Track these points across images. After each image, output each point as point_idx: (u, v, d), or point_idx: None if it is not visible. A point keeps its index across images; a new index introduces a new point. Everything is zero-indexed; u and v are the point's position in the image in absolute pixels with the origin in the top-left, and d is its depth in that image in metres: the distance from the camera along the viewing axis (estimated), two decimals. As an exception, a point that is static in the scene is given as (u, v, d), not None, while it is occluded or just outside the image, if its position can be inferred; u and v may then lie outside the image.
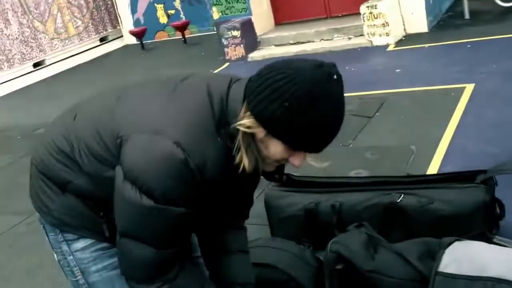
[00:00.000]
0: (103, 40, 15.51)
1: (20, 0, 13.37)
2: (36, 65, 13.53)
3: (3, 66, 12.83)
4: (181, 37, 13.65)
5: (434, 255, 2.82)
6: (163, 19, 14.74)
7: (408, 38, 9.70)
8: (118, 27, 15.71)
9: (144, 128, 1.97)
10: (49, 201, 2.26)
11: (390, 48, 9.40)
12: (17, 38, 13.24)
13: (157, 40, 14.84)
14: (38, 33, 13.77)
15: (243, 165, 1.96)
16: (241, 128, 1.91)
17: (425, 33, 9.74)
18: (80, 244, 2.30)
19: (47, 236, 2.36)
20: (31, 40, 13.56)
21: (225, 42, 10.55)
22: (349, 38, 10.14)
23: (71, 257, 2.32)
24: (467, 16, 9.92)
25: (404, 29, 9.87)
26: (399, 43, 9.55)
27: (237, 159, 1.97)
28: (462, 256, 2.76)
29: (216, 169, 2.00)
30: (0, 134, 8.93)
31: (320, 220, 3.71)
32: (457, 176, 3.69)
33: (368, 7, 9.57)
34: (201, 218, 2.15)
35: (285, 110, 1.82)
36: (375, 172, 4.80)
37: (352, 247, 3.02)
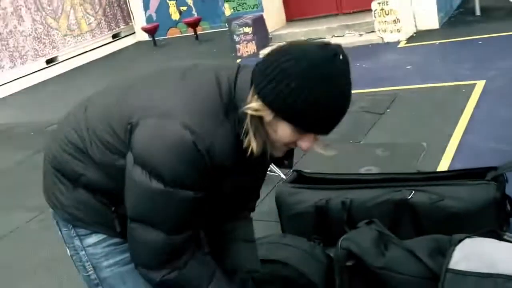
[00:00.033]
0: (115, 36, 15.54)
1: (33, -3, 13.45)
2: (49, 61, 13.57)
3: (16, 63, 12.89)
4: (193, 33, 13.66)
5: (444, 252, 2.82)
6: (175, 16, 14.76)
7: (419, 35, 9.68)
8: (130, 24, 15.74)
9: (153, 112, 1.98)
10: (62, 197, 2.27)
11: (401, 44, 9.39)
12: (30, 34, 13.29)
13: (169, 36, 14.86)
14: (51, 29, 13.82)
15: (251, 148, 1.96)
16: (249, 111, 1.92)
17: (436, 29, 9.72)
18: (92, 239, 2.30)
19: (60, 231, 2.37)
20: (44, 37, 13.61)
21: (236, 38, 10.56)
22: (360, 35, 10.14)
23: (83, 252, 2.33)
24: (478, 12, 9.90)
25: (415, 26, 9.86)
26: (410, 39, 9.53)
27: (245, 143, 1.97)
28: (473, 253, 2.75)
29: (225, 153, 2.00)
30: (13, 130, 8.99)
31: (331, 217, 3.72)
32: (468, 173, 3.69)
33: (379, 3, 9.55)
34: (210, 206, 2.15)
35: (292, 90, 1.83)
36: (385, 168, 4.79)
37: (362, 244, 3.02)
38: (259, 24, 10.68)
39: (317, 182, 3.99)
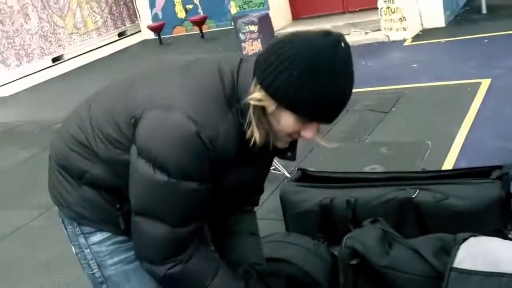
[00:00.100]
0: (121, 35, 15.55)
1: (39, -5, 13.48)
2: (55, 60, 13.59)
3: (22, 61, 12.91)
4: (198, 32, 13.66)
5: (449, 251, 2.80)
6: (181, 14, 14.76)
7: (425, 33, 9.67)
8: (136, 22, 15.75)
9: (157, 105, 1.99)
10: (67, 194, 2.28)
11: (407, 43, 9.38)
12: (36, 33, 13.31)
13: (175, 35, 14.87)
14: (57, 28, 13.84)
15: (254, 139, 1.97)
16: (252, 102, 1.93)
17: (442, 28, 9.71)
18: (97, 237, 2.31)
19: (66, 229, 2.38)
20: (50, 35, 13.63)
21: (242, 37, 10.56)
22: (366, 33, 10.14)
23: (88, 250, 2.34)
24: (484, 11, 9.89)
25: (421, 24, 9.85)
26: (416, 37, 9.53)
27: (248, 134, 1.98)
28: (477, 252, 2.73)
29: (228, 143, 2.01)
30: (19, 128, 9.01)
31: (335, 215, 3.72)
32: (473, 172, 3.69)
33: (385, 1, 9.55)
34: (214, 199, 2.15)
35: (295, 79, 1.83)
36: (390, 167, 4.79)
37: (367, 242, 3.02)
38: (265, 22, 10.68)
39: (321, 180, 3.99)
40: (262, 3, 11.17)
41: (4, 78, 12.43)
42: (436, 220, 3.46)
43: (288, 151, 2.22)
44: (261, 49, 10.33)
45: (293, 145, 2.20)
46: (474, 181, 3.52)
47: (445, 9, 9.76)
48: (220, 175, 2.08)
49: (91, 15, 14.77)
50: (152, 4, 15.00)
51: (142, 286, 2.38)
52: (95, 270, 2.37)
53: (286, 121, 1.94)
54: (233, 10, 11.47)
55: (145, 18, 15.17)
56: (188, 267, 2.11)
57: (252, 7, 11.29)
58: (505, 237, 3.22)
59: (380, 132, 5.86)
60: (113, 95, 2.21)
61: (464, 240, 2.81)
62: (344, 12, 11.32)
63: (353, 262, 3.01)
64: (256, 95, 1.92)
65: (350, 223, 3.60)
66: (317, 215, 3.77)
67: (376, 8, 9.78)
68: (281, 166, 4.98)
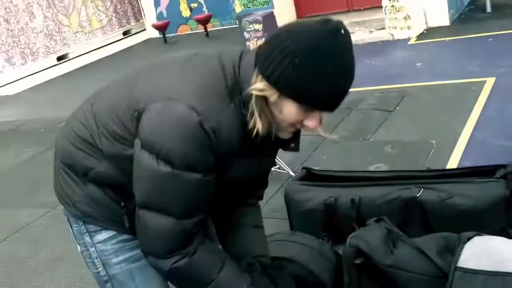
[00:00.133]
0: (126, 33, 15.57)
1: (45, -7, 13.50)
2: (59, 58, 13.61)
3: (27, 60, 12.94)
4: (203, 30, 13.66)
5: (453, 250, 2.81)
6: (186, 13, 14.77)
7: (430, 32, 9.67)
8: (141, 21, 15.77)
9: (159, 97, 1.99)
10: (72, 193, 2.28)
11: (412, 41, 9.38)
12: (41, 31, 13.33)
13: (179, 33, 14.87)
14: (62, 26, 13.86)
15: (257, 129, 1.98)
16: (254, 92, 1.93)
17: (447, 26, 9.71)
18: (102, 235, 2.32)
19: (71, 227, 2.38)
20: (55, 34, 13.65)
21: (247, 35, 10.56)
22: (371, 32, 10.14)
23: (93, 248, 2.34)
24: (488, 9, 9.89)
25: (426, 23, 9.84)
26: (420, 36, 9.53)
27: (251, 124, 1.99)
28: (482, 251, 2.74)
29: (231, 133, 2.01)
30: (24, 127, 9.02)
31: (340, 214, 3.72)
32: (477, 171, 3.70)
33: (390, 0, 9.54)
34: (218, 191, 2.14)
35: (296, 67, 1.84)
36: (394, 166, 4.80)
37: (371, 241, 3.01)
38: (269, 21, 10.67)
39: (326, 179, 4.00)
40: (266, 1, 11.17)
41: (9, 77, 12.47)
42: (440, 219, 3.46)
43: (292, 142, 2.22)
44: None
45: (296, 135, 2.20)
46: (478, 180, 3.52)
47: (449, 7, 9.76)
48: (224, 166, 2.08)
49: (96, 14, 14.79)
50: (157, 3, 15.01)
51: (146, 285, 2.39)
52: (100, 269, 2.38)
53: (289, 110, 1.94)
54: (238, 8, 11.46)
55: (150, 16, 15.18)
56: (194, 260, 2.11)
57: (257, 6, 11.28)
58: (509, 236, 3.18)
59: (384, 131, 5.86)
60: (116, 92, 2.22)
61: (469, 239, 2.81)
62: (348, 11, 11.32)
63: (358, 261, 3.01)
64: (258, 85, 1.93)
65: (354, 222, 3.61)
66: (322, 214, 3.78)
67: (381, 7, 9.79)
68: (285, 165, 4.98)
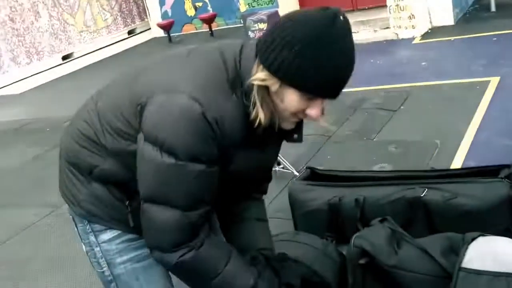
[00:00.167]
0: (131, 32, 15.58)
1: (50, -7, 13.52)
2: (64, 57, 13.63)
3: (32, 59, 12.96)
4: (208, 29, 13.66)
5: (457, 251, 2.81)
6: (191, 12, 14.77)
7: (434, 31, 9.67)
8: (146, 20, 15.78)
9: (161, 89, 2.00)
10: (77, 192, 2.29)
11: (416, 41, 9.38)
12: (46, 30, 13.36)
13: (184, 32, 14.87)
14: (68, 25, 13.88)
15: (259, 119, 1.98)
16: (255, 82, 1.94)
17: (451, 26, 9.71)
18: (107, 235, 2.32)
19: (76, 227, 2.39)
20: (60, 33, 13.67)
21: (251, 34, 10.55)
22: (375, 31, 10.13)
23: (98, 248, 2.35)
24: (493, 8, 9.88)
25: (430, 22, 9.84)
26: (425, 35, 9.53)
27: (253, 114, 1.99)
28: (486, 251, 2.74)
29: (234, 124, 2.02)
30: (29, 126, 9.02)
31: (344, 214, 3.72)
32: (481, 171, 3.69)
33: (394, -1, 9.57)
34: (223, 184, 2.14)
35: (296, 55, 1.85)
36: (399, 166, 4.79)
37: (375, 242, 3.02)
38: (274, 20, 10.53)
39: (330, 179, 4.00)
40: (271, 0, 11.18)
41: (15, 76, 12.50)
42: (444, 219, 3.45)
43: (295, 133, 2.22)
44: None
45: (299, 126, 2.20)
46: (482, 180, 3.52)
47: (454, 6, 9.76)
48: (227, 158, 2.09)
49: (101, 13, 14.81)
50: (161, 2, 15.02)
51: (151, 285, 2.40)
52: (104, 269, 2.38)
53: (290, 99, 1.95)
54: (242, 8, 11.48)
55: (155, 16, 15.19)
56: (201, 253, 2.10)
57: (261, 5, 11.30)
58: (514, 236, 3.21)
59: (388, 131, 5.86)
60: (118, 89, 2.23)
61: (473, 239, 2.82)
62: (353, 10, 11.29)
63: (362, 261, 3.01)
64: (259, 75, 1.94)
65: (358, 222, 3.61)
66: (326, 214, 3.77)
67: (385, 6, 9.79)
68: (289, 165, 4.99)
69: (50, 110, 9.72)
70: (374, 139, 5.70)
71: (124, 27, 15.45)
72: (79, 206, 2.30)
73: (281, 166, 5.04)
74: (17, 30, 12.74)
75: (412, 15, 9.47)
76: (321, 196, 3.84)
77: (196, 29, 14.73)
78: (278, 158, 4.99)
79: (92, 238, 2.34)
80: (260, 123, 2.00)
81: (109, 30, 14.98)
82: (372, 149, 5.45)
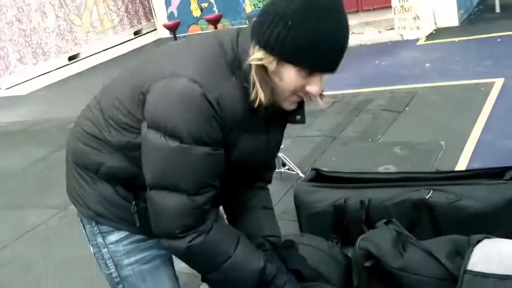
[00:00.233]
0: (137, 33, 15.57)
1: (57, -7, 13.54)
2: (71, 58, 13.64)
3: (39, 59, 12.98)
4: (213, 30, 13.64)
5: (463, 253, 2.82)
6: (196, 13, 14.77)
7: (439, 32, 9.65)
8: (152, 21, 15.77)
9: (161, 75, 2.01)
10: (84, 192, 2.31)
11: (421, 42, 9.37)
12: (53, 31, 13.36)
13: (190, 33, 14.85)
14: (74, 26, 13.89)
15: (259, 99, 2.00)
16: (253, 62, 1.96)
17: (456, 27, 9.69)
18: (114, 236, 2.34)
19: (84, 228, 2.41)
20: (67, 33, 13.69)
21: (256, 35, 10.54)
22: (380, 32, 10.12)
23: (106, 249, 2.37)
24: (498, 9, 9.88)
25: (435, 23, 9.82)
26: (429, 37, 9.51)
27: (253, 95, 2.00)
28: (491, 254, 2.74)
29: (236, 106, 2.03)
30: (35, 127, 9.04)
31: (349, 216, 3.73)
32: (486, 173, 3.69)
33: (399, 0, 9.55)
34: (227, 173, 2.15)
35: (290, 29, 1.86)
36: (403, 167, 4.81)
37: (381, 244, 3.02)
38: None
39: (335, 180, 4.00)
40: (276, 1, 11.15)
41: (21, 76, 12.50)
42: (449, 221, 3.45)
43: (297, 114, 2.22)
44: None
45: (301, 107, 2.20)
46: (487, 182, 3.51)
47: (458, 8, 9.75)
48: (231, 142, 2.10)
49: (108, 14, 14.81)
50: (167, 3, 15.02)
51: (158, 286, 2.42)
52: (112, 270, 2.40)
53: (289, 76, 1.96)
54: (248, 8, 11.47)
55: (161, 16, 15.18)
56: (210, 237, 2.10)
57: (267, 6, 11.27)
58: (519, 239, 3.21)
59: (393, 132, 5.86)
60: (120, 85, 2.25)
61: (478, 242, 2.82)
62: (358, 11, 11.29)
63: (367, 264, 3.02)
64: (256, 55, 1.96)
65: (363, 224, 3.61)
66: (331, 216, 3.78)
67: (390, 7, 9.79)
68: (295, 166, 5.01)
69: (56, 111, 9.73)
70: (379, 141, 5.71)
71: (130, 28, 15.45)
72: (86, 207, 2.32)
73: (286, 167, 5.05)
74: (23, 30, 12.75)
75: (417, 16, 9.48)
76: (326, 197, 3.84)
77: (202, 30, 14.72)
78: (283, 159, 5.01)
79: (100, 239, 2.36)
80: (260, 103, 2.01)
81: (116, 31, 14.98)
82: (377, 151, 5.46)
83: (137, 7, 15.76)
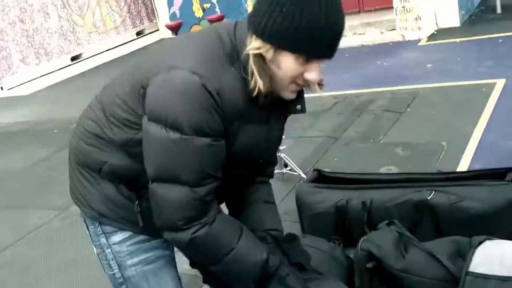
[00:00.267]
0: (139, 34, 15.57)
1: (60, -6, 13.55)
2: (73, 58, 13.65)
3: (41, 60, 12.99)
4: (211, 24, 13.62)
5: (464, 255, 2.82)
6: (199, 13, 14.77)
7: (440, 33, 9.67)
8: (154, 21, 15.77)
9: (160, 69, 2.02)
10: (87, 193, 2.32)
11: (422, 42, 9.40)
12: (56, 31, 13.36)
13: (192, 33, 14.87)
14: (77, 26, 13.89)
15: (258, 88, 2.00)
16: (251, 52, 1.97)
17: (457, 27, 9.71)
18: (118, 237, 2.34)
19: (88, 229, 2.41)
20: (70, 34, 13.69)
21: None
22: (382, 33, 10.13)
23: (109, 250, 2.37)
24: (499, 10, 9.89)
25: (436, 24, 9.84)
26: (431, 37, 9.54)
27: (252, 84, 2.00)
28: (493, 255, 2.75)
29: (235, 96, 2.03)
30: (37, 127, 9.03)
31: (351, 217, 3.73)
32: (488, 174, 3.70)
33: (401, 1, 9.58)
34: (229, 167, 2.15)
35: (285, 16, 1.87)
36: (405, 168, 4.82)
37: (383, 245, 3.03)
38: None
39: (337, 181, 4.00)
40: (278, 2, 11.14)
41: (24, 77, 12.51)
42: (451, 222, 3.46)
43: (297, 104, 2.22)
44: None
45: (300, 96, 2.20)
46: (489, 183, 3.52)
47: (460, 8, 9.76)
48: (232, 133, 2.10)
49: (110, 14, 14.81)
50: (170, 3, 15.01)
51: (161, 287, 2.42)
52: (115, 271, 2.40)
53: (286, 64, 1.97)
54: (250, 9, 11.40)
55: (163, 17, 15.18)
56: (213, 228, 2.09)
57: (269, 6, 11.27)
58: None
59: (395, 133, 5.88)
60: (120, 82, 2.25)
61: (480, 243, 2.83)
62: (359, 11, 11.29)
63: (369, 265, 3.03)
64: (253, 44, 1.96)
65: (365, 225, 3.62)
66: (333, 217, 3.78)
67: (392, 8, 9.80)
68: (297, 167, 5.02)
69: (58, 111, 9.72)
70: (381, 141, 5.72)
71: (132, 28, 15.45)
72: (90, 208, 2.33)
73: (288, 168, 5.06)
74: (26, 31, 12.75)
75: (418, 16, 9.49)
76: (328, 198, 3.85)
77: (204, 30, 14.72)
78: (285, 160, 5.02)
79: (103, 240, 2.37)
80: (259, 91, 2.01)
81: (118, 31, 14.98)
82: (379, 151, 5.47)
83: (140, 8, 15.76)
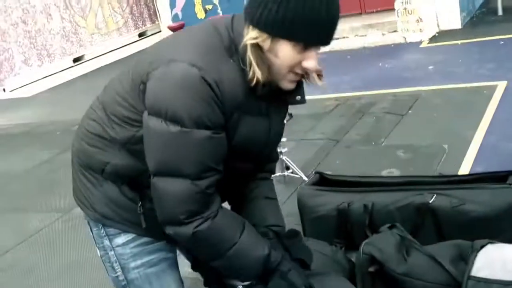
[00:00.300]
0: (141, 35, 15.59)
1: (62, -5, 13.56)
2: (76, 60, 13.66)
3: (44, 61, 13.00)
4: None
5: (466, 259, 2.82)
6: (201, 15, 14.76)
7: (442, 35, 9.67)
8: (156, 22, 15.76)
9: (159, 63, 2.02)
10: (90, 194, 2.32)
11: (424, 44, 9.39)
12: (58, 33, 13.38)
13: (193, 35, 14.87)
14: (79, 28, 13.90)
15: (257, 78, 2.00)
16: (248, 42, 1.98)
17: (459, 29, 9.71)
18: (121, 239, 2.34)
19: (91, 231, 2.41)
20: (72, 35, 13.70)
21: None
22: (383, 34, 10.13)
23: (112, 252, 2.37)
24: (500, 12, 9.89)
25: (438, 25, 9.84)
26: (432, 39, 9.53)
27: (250, 74, 2.01)
28: (495, 259, 2.75)
29: (235, 87, 2.03)
30: (39, 129, 9.04)
31: (352, 220, 3.73)
32: (489, 177, 3.70)
33: (402, 3, 9.57)
34: (230, 163, 2.15)
35: (280, 4, 1.88)
36: (407, 171, 4.82)
37: (384, 249, 3.03)
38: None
39: (339, 184, 4.00)
40: (280, 3, 11.14)
41: (26, 78, 12.52)
42: (452, 226, 3.46)
43: (297, 95, 2.22)
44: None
45: (300, 86, 2.20)
46: (490, 186, 3.52)
47: (461, 10, 9.76)
48: (232, 126, 2.10)
49: (112, 15, 14.83)
50: (172, 4, 15.01)
51: (164, 290, 2.43)
52: (119, 273, 2.40)
53: (283, 52, 1.98)
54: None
55: (165, 18, 15.17)
56: (216, 222, 2.09)
57: (271, 8, 11.26)
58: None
59: (397, 135, 5.88)
60: (120, 81, 2.25)
61: (482, 247, 2.82)
62: (361, 13, 11.29)
63: (371, 269, 3.03)
64: (250, 35, 1.97)
65: (367, 228, 3.62)
66: (335, 220, 3.78)
67: (393, 9, 9.80)
68: (298, 170, 5.03)
69: (60, 113, 9.73)
70: (383, 144, 5.72)
71: (135, 30, 15.47)
72: (93, 210, 2.33)
73: (290, 170, 5.07)
74: (29, 32, 12.77)
75: (420, 18, 9.49)
76: (330, 201, 3.84)
77: (206, 32, 14.72)
78: (287, 162, 5.03)
79: (107, 242, 2.37)
80: (258, 81, 2.02)
81: (120, 33, 15.00)
82: (381, 154, 5.47)
83: (142, 9, 15.77)
